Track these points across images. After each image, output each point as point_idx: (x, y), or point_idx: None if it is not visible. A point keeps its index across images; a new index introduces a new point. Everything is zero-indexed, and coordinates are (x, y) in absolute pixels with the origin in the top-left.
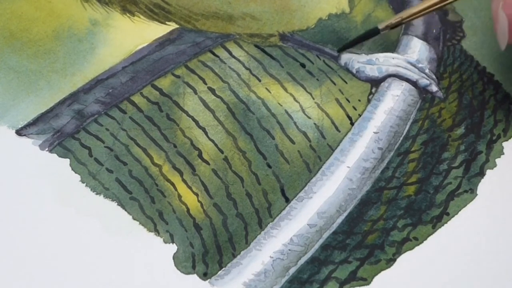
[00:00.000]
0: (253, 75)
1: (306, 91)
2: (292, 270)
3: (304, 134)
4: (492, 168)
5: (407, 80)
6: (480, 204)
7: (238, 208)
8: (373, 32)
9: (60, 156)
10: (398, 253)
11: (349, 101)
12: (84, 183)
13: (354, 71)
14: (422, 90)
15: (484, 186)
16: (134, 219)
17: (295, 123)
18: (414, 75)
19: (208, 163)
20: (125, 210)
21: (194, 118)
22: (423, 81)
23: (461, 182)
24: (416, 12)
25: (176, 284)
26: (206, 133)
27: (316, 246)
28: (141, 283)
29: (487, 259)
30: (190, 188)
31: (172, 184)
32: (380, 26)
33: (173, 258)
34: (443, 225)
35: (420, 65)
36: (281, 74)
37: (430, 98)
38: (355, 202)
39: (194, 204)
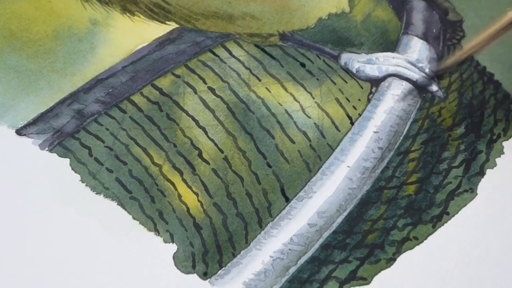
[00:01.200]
0: (253, 74)
1: (306, 90)
2: (292, 270)
3: (304, 133)
4: (492, 168)
5: (407, 79)
6: (480, 203)
7: (238, 208)
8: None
9: (60, 155)
10: (398, 252)
11: (349, 101)
12: (84, 182)
13: (354, 71)
14: (422, 90)
15: (484, 185)
16: (134, 218)
17: (295, 122)
18: (414, 74)
19: (208, 163)
20: (125, 209)
21: (194, 117)
22: (423, 81)
23: (461, 181)
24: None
25: (176, 284)
26: (206, 133)
27: (316, 245)
28: (141, 283)
29: (487, 259)
30: (190, 187)
31: (172, 183)
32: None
33: (173, 257)
34: (443, 224)
35: (420, 65)
36: (281, 73)
37: (430, 98)
38: (355, 202)
39: (194, 204)
